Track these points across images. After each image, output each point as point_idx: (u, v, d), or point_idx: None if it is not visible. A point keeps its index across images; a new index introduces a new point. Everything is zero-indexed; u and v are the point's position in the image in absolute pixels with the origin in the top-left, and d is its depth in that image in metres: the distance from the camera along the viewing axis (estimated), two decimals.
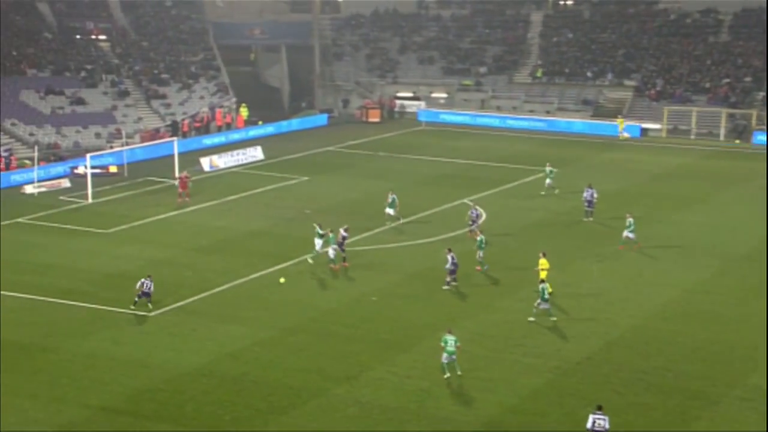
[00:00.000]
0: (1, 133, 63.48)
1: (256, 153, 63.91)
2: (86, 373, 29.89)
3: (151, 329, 33.72)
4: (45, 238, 44.90)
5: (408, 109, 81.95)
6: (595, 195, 48.04)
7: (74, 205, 51.35)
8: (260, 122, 74.64)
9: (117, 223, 47.34)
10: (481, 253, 40.00)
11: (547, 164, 54.36)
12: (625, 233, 42.53)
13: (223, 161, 61.54)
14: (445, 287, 37.84)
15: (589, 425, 25.13)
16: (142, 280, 35.33)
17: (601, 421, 25.00)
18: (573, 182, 54.94)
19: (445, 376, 29.57)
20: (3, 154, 58.29)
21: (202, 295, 37.19)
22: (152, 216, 48.85)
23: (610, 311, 35.57)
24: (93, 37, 78.03)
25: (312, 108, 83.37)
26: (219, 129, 72.54)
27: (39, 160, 56.69)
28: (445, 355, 29.67)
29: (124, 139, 63.41)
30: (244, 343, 32.50)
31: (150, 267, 40.35)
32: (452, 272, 37.93)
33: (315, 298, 36.75)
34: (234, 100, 76.69)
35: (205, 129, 71.76)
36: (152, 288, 35.27)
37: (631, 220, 42.76)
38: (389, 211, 47.00)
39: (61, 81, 71.33)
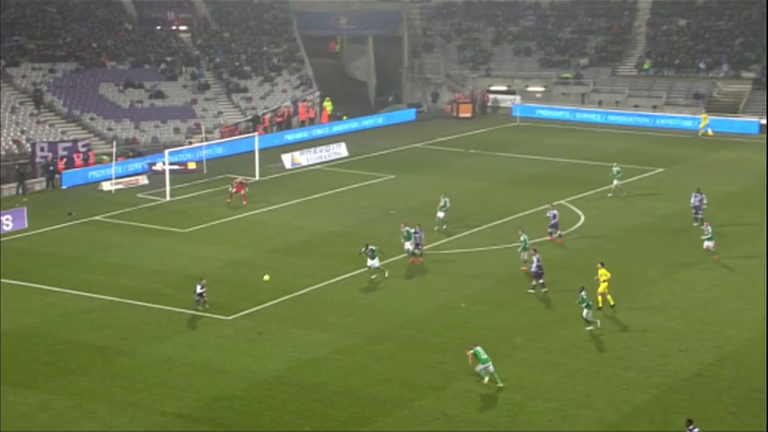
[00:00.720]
0: (80, 127, 65.35)
1: (339, 150, 64.29)
2: (162, 379, 30.51)
3: (228, 333, 34.23)
4: (122, 237, 46.00)
5: (502, 104, 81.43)
6: (705, 200, 46.90)
7: (151, 203, 52.50)
8: (344, 117, 75.06)
9: (195, 222, 48.20)
10: (524, 255, 40.25)
11: (614, 164, 53.51)
12: (705, 243, 41.64)
13: (305, 158, 62.08)
14: (531, 291, 37.93)
15: None
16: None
17: None
18: (682, 183, 53.81)
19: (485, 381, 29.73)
20: (81, 149, 59.92)
21: (282, 299, 37.59)
22: (231, 215, 49.58)
23: (721, 323, 34.74)
24: (173, 27, 79.66)
25: (399, 102, 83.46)
26: (302, 124, 73.23)
27: (117, 155, 58.10)
28: (480, 366, 29.83)
29: (203, 135, 64.54)
30: (325, 350, 32.73)
31: (228, 268, 41.04)
32: (537, 275, 37.87)
33: (400, 305, 36.81)
34: (317, 93, 77.34)
35: (286, 124, 72.54)
36: (200, 290, 35.78)
37: (709, 228, 41.93)
38: (440, 215, 46.73)
39: (140, 73, 73.04)
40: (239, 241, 45.17)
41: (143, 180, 56.90)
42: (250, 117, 71.09)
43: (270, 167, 59.89)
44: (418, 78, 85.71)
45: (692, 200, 47.12)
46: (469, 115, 79.40)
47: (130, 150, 62.87)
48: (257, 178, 57.47)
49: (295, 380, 30.49)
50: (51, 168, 56.14)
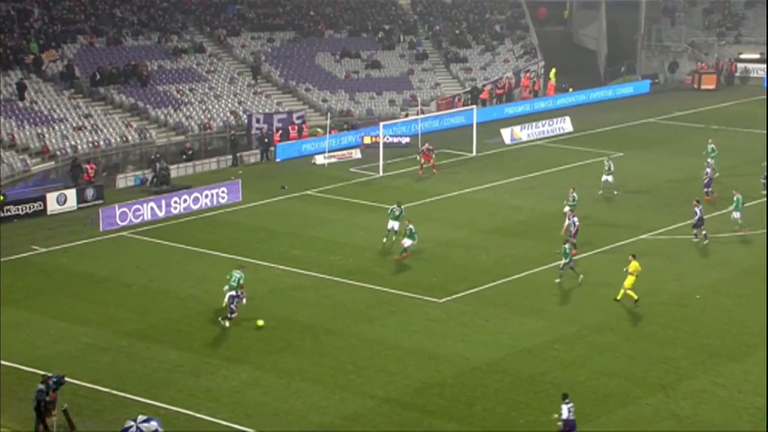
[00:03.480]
0: (295, 99, 67.59)
1: (564, 124, 63.48)
2: (372, 361, 31.18)
3: (440, 317, 34.58)
4: (333, 212, 47.28)
5: (752, 74, 78.11)
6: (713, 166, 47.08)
7: (364, 178, 53.64)
8: (570, 89, 74.01)
9: (408, 199, 48.70)
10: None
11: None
12: (734, 214, 42.15)
13: (526, 133, 61.68)
14: (694, 239, 40.78)
15: (565, 415, 25.52)
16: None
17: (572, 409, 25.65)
18: None
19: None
20: (296, 121, 61.94)
21: (497, 282, 37.61)
22: (445, 192, 49.97)
23: None
24: None
25: (633, 73, 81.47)
26: (525, 96, 72.75)
27: (331, 128, 59.71)
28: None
29: (419, 107, 65.20)
30: (542, 339, 32.52)
31: (440, 248, 41.43)
32: (697, 225, 40.65)
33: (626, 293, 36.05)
34: (542, 64, 76.55)
35: (507, 96, 72.26)
36: (235, 304, 33.38)
37: (738, 196, 42.05)
38: (607, 178, 47.93)
39: (357, 42, 74.70)
40: (453, 219, 45.48)
41: (356, 154, 58.19)
42: (468, 88, 71.29)
43: (488, 142, 59.87)
44: (656, 46, 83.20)
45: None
46: (712, 86, 76.54)
47: (344, 122, 64.47)
48: (474, 153, 57.60)
49: (510, 369, 30.46)
50: (266, 140, 58.40)
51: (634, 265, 35.07)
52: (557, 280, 37.15)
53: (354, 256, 40.98)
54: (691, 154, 56.15)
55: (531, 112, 68.55)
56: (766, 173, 48.82)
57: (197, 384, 29.74)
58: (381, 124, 56.76)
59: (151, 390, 29.24)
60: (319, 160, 57.14)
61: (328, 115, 61.47)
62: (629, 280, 35.01)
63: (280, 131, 60.24)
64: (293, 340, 32.93)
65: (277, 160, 58.01)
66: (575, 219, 40.61)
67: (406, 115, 65.11)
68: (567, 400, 25.85)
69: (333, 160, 57.21)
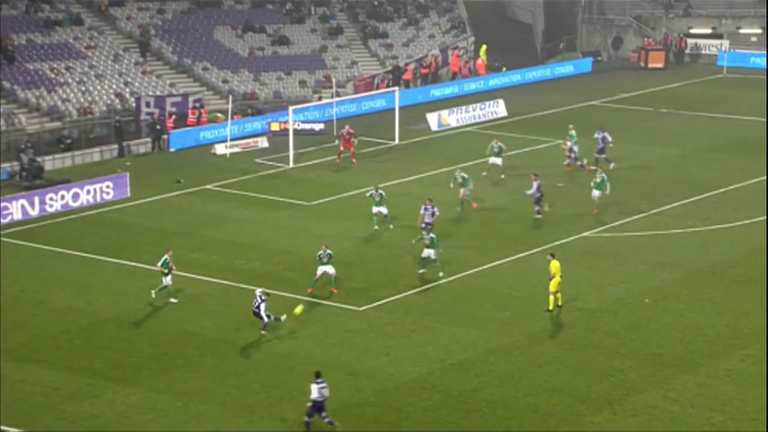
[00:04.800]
0: (191, 79, 67.05)
1: (497, 108, 64.10)
2: (282, 379, 31.12)
3: (360, 327, 34.65)
4: (237, 209, 47.07)
5: (704, 51, 79.63)
6: (609, 139, 50.55)
7: (272, 170, 53.50)
8: (504, 68, 74.72)
9: (322, 194, 48.88)
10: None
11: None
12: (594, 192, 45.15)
13: (455, 118, 62.13)
14: (537, 216, 43.89)
15: (314, 395, 27.63)
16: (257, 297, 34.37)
17: (324, 390, 27.77)
18: None
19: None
20: (192, 105, 61.42)
21: (424, 287, 37.85)
22: (365, 185, 49.73)
23: None
24: None
25: (573, 50, 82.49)
26: (452, 77, 73.20)
27: (233, 113, 59.39)
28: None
29: (334, 89, 65.20)
30: (475, 351, 32.77)
31: (360, 249, 41.53)
32: (537, 201, 43.75)
33: (569, 298, 36.44)
34: (472, 40, 77.10)
35: (434, 77, 72.64)
36: (262, 309, 33.72)
37: (603, 176, 45.03)
38: (496, 160, 50.38)
39: (262, 15, 74.39)
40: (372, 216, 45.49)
41: (263, 142, 58.01)
42: (390, 68, 71.49)
43: (413, 129, 60.13)
44: (598, 20, 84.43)
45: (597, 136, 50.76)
46: (661, 65, 77.94)
47: (248, 106, 64.16)
48: (397, 141, 57.79)
49: (439, 386, 30.64)
50: (158, 127, 57.85)
51: (554, 266, 35.41)
52: (441, 274, 38.43)
53: (261, 259, 40.84)
54: (638, 140, 57.09)
55: (461, 94, 69.03)
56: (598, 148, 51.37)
57: (79, 409, 29.39)
58: (290, 108, 56.62)
59: (25, 417, 28.83)
60: (220, 149, 56.84)
61: (230, 98, 61.07)
62: (554, 284, 35.35)
63: (174, 117, 59.73)
64: (192, 357, 32.69)
65: (171, 149, 57.54)
66: (435, 209, 41.67)
67: (320, 99, 65.06)
68: (319, 380, 27.75)
69: (236, 149, 56.93)
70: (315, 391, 27.69)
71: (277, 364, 32.10)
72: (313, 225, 44.80)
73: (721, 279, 38.25)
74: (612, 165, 50.42)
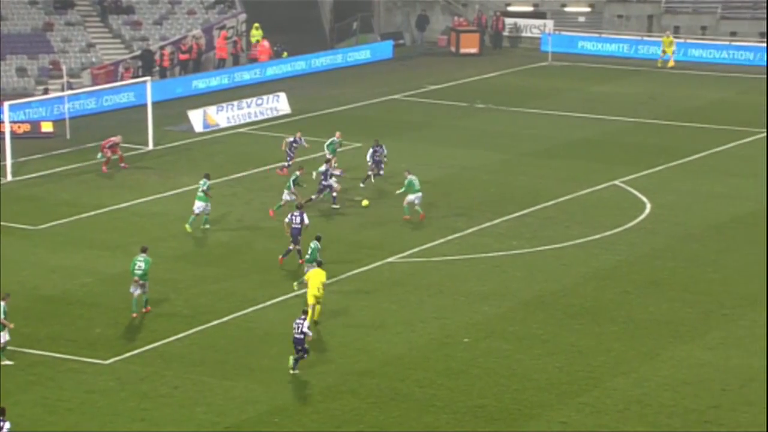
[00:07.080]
0: None
1: (278, 104, 64.39)
2: None
3: (107, 386, 33.85)
4: None
5: (525, 33, 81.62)
6: (384, 152, 50.91)
7: None
8: (285, 54, 75.05)
9: (53, 216, 47.93)
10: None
11: (337, 134, 53.21)
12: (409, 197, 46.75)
13: (224, 116, 62.07)
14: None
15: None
16: None
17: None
18: None
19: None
20: None
21: (189, 331, 37.42)
22: (109, 204, 49.42)
23: None
24: None
25: (369, 32, 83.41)
26: (220, 64, 72.99)
27: None
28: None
29: (65, 80, 64.18)
30: (256, 410, 32.56)
31: (104, 286, 40.79)
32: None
33: (370, 340, 36.90)
34: (243, 17, 77.07)
35: (196, 64, 72.42)
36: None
37: (411, 177, 46.65)
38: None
39: None
40: (122, 243, 44.82)
41: None
42: (138, 52, 70.98)
43: (170, 130, 59.85)
44: None
45: (369, 156, 51.15)
46: (475, 50, 79.62)
47: None
48: (150, 147, 57.21)
49: None
50: None
51: (315, 273, 37.49)
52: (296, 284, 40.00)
53: None
54: (451, 143, 57.95)
55: (231, 85, 69.20)
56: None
57: None
58: (6, 104, 55.75)
59: None
60: None
61: None
62: (311, 293, 37.02)
63: None
64: None
65: None
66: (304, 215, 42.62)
67: (46, 91, 64.26)
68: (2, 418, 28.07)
69: None
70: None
71: None
72: (41, 255, 43.83)
73: (552, 312, 38.85)
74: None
